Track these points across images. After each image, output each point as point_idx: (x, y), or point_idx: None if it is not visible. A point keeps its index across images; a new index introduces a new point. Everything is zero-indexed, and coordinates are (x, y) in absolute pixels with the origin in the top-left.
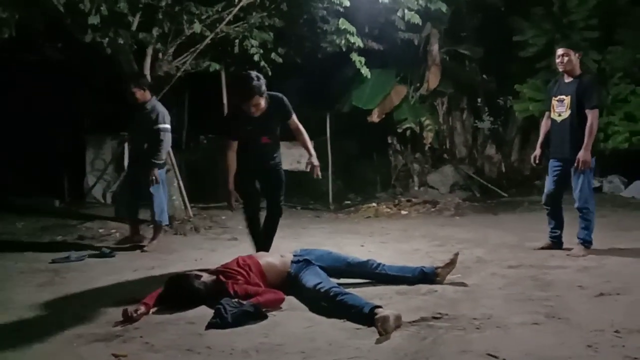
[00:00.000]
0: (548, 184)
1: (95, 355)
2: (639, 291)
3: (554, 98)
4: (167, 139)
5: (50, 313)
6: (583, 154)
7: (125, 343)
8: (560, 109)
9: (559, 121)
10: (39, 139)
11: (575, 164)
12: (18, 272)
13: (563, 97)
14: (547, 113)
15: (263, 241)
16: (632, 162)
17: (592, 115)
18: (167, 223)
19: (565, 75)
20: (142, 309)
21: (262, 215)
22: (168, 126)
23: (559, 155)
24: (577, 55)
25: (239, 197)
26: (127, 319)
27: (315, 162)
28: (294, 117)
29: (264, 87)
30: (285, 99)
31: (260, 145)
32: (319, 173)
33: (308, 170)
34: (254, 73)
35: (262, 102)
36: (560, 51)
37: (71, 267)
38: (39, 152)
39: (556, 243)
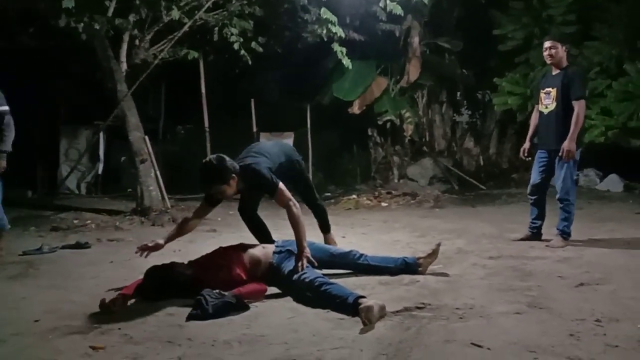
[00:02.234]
0: (534, 175)
1: (72, 348)
2: (618, 281)
3: (541, 91)
4: (11, 122)
5: (23, 306)
6: (568, 144)
7: (103, 335)
8: (547, 101)
9: (545, 113)
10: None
11: (560, 153)
12: None
13: (549, 89)
14: (536, 106)
15: (320, 226)
16: (607, 156)
17: (578, 106)
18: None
19: (553, 68)
20: (120, 299)
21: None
22: (7, 108)
23: (545, 147)
24: (564, 47)
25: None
26: (105, 310)
27: (303, 256)
28: (279, 191)
29: (225, 173)
30: (257, 172)
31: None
32: (303, 266)
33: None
34: (214, 157)
35: (228, 188)
36: (547, 44)
37: (44, 258)
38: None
39: (535, 234)
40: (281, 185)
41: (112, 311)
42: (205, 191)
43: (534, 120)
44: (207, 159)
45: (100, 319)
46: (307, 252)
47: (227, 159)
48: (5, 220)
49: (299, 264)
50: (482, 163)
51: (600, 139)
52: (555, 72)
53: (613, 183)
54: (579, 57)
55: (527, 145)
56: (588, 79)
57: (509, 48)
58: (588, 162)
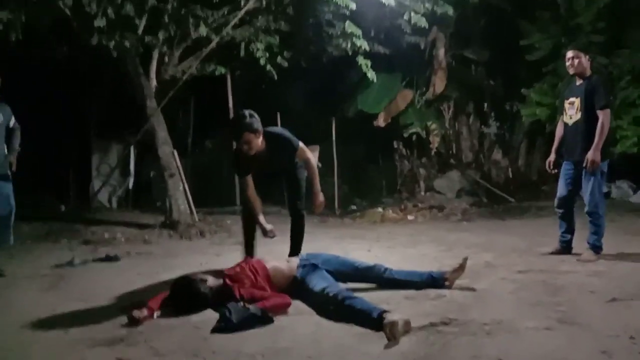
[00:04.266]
0: (560, 187)
1: (100, 359)
2: None
3: (565, 101)
4: (19, 130)
5: (53, 317)
6: (592, 154)
7: (129, 347)
8: (571, 111)
9: (570, 124)
10: (45, 143)
11: (584, 164)
12: (22, 276)
13: (573, 99)
14: (560, 117)
15: (292, 247)
16: None
17: (602, 115)
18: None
19: (577, 78)
20: (146, 312)
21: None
22: (14, 120)
23: (571, 158)
24: (587, 57)
25: (272, 230)
26: (132, 322)
27: (319, 198)
28: (301, 149)
29: (256, 125)
30: (285, 133)
31: (269, 174)
32: (321, 208)
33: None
34: (247, 111)
35: (255, 140)
36: (570, 54)
37: (75, 271)
38: (45, 156)
39: (566, 248)
40: (302, 144)
41: (138, 323)
42: (237, 138)
43: (559, 132)
44: (240, 111)
45: (127, 331)
46: (322, 196)
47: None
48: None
49: (317, 203)
50: (510, 175)
51: (633, 149)
52: (579, 82)
53: None
54: (609, 66)
55: (552, 157)
56: (613, 87)
57: (537, 58)
58: (621, 174)
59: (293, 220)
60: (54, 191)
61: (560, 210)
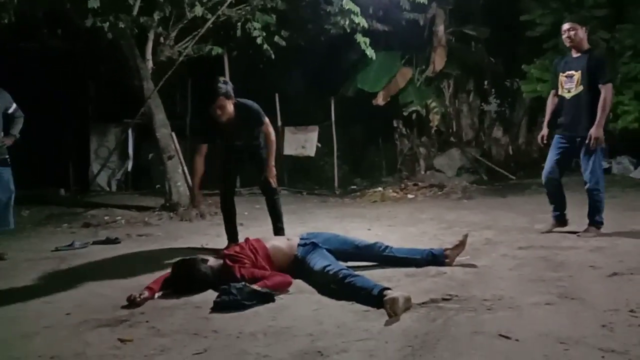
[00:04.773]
0: (550, 162)
1: (101, 340)
2: None
3: (561, 74)
4: (22, 115)
5: (55, 300)
6: (595, 131)
7: (131, 328)
8: (570, 85)
9: (568, 98)
10: (43, 129)
11: (587, 141)
12: (23, 259)
13: (572, 72)
14: (553, 91)
15: (274, 225)
16: None
17: (606, 90)
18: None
19: (573, 51)
20: (147, 293)
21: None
22: (16, 106)
23: (567, 133)
24: (584, 29)
25: (203, 199)
26: (132, 304)
27: (271, 172)
28: (266, 124)
29: (230, 91)
30: (254, 106)
31: (235, 145)
32: (274, 183)
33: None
34: (222, 78)
35: (228, 106)
36: (566, 26)
37: (76, 254)
38: (43, 141)
39: (560, 221)
40: (268, 120)
41: (138, 304)
42: (211, 102)
43: (550, 105)
44: (216, 78)
45: (128, 313)
46: (274, 171)
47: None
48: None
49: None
50: (511, 152)
51: (635, 125)
52: (576, 54)
53: None
54: (611, 40)
55: (545, 131)
56: (614, 61)
57: (538, 34)
58: (622, 149)
59: (268, 197)
60: (53, 175)
61: (549, 187)
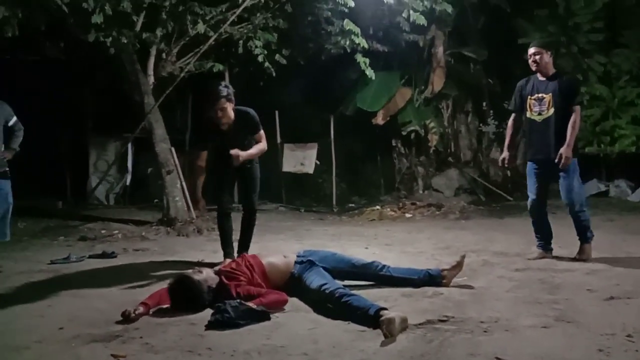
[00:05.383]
0: (531, 191)
1: (94, 356)
2: None
3: (530, 97)
4: (22, 128)
5: (48, 313)
6: (566, 150)
7: (124, 344)
8: (540, 108)
9: (539, 121)
10: (42, 140)
11: (557, 159)
12: (18, 272)
13: (542, 95)
14: (514, 115)
15: (240, 242)
16: (639, 166)
17: (577, 112)
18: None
19: (539, 74)
20: (142, 309)
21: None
22: (16, 118)
23: (539, 156)
24: (549, 53)
25: (204, 204)
26: (126, 319)
27: (239, 153)
28: (261, 132)
29: (232, 95)
30: (252, 112)
31: (230, 155)
32: (237, 161)
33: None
34: (223, 82)
35: (229, 109)
36: (532, 50)
37: (71, 267)
38: (42, 153)
39: (546, 251)
40: (263, 131)
41: (132, 320)
42: (213, 104)
43: (511, 128)
44: (218, 81)
45: (122, 328)
46: (242, 157)
47: None
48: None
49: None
50: (509, 174)
51: (632, 148)
52: (542, 78)
53: None
54: (607, 64)
55: (506, 154)
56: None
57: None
58: (619, 173)
59: (246, 214)
60: (51, 188)
61: (534, 216)
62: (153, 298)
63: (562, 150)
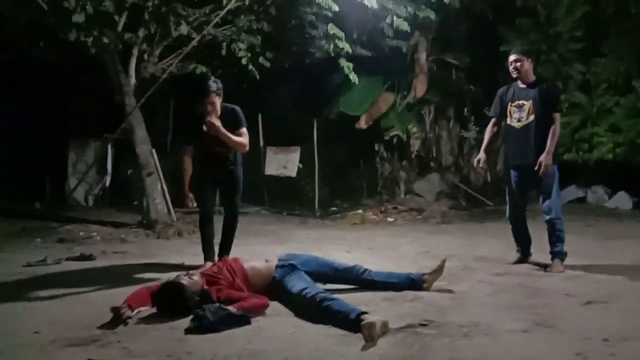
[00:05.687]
0: (512, 196)
1: None
2: (628, 299)
3: (510, 104)
4: None
5: (24, 316)
6: (546, 157)
7: (102, 348)
8: (520, 114)
9: (518, 127)
10: (21, 141)
11: (537, 167)
12: None
13: (523, 102)
14: (493, 120)
15: (221, 245)
16: (616, 173)
17: (557, 119)
18: None
19: (519, 82)
20: (128, 310)
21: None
22: None
23: (519, 162)
24: (529, 60)
25: (193, 198)
26: (116, 316)
27: (216, 122)
28: (244, 129)
29: (221, 90)
30: (238, 109)
31: (213, 153)
32: (214, 129)
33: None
34: (212, 77)
35: (218, 104)
36: (512, 57)
37: (48, 270)
38: (20, 153)
39: (524, 257)
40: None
41: (122, 321)
42: (204, 98)
43: (489, 133)
44: (207, 75)
45: (100, 332)
46: (214, 125)
47: None
48: None
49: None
50: (489, 179)
51: (609, 155)
52: (522, 85)
53: (622, 200)
54: (587, 73)
55: (482, 156)
56: None
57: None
58: (597, 179)
59: (228, 217)
60: (30, 188)
61: (514, 224)
62: (135, 299)
63: (542, 157)
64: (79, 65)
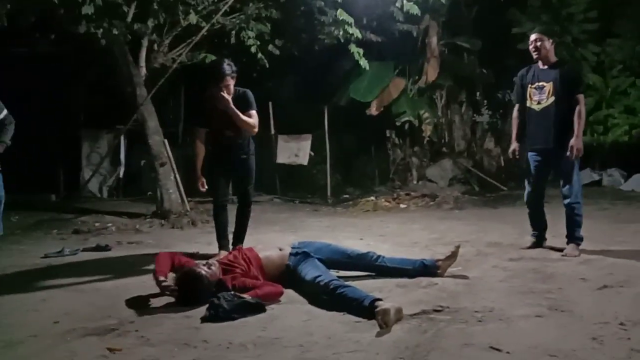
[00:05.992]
0: (529, 182)
1: (90, 349)
2: None
3: (530, 86)
4: (12, 121)
5: (43, 308)
6: (576, 141)
7: (120, 337)
8: (540, 96)
9: (538, 110)
10: (35, 134)
11: (569, 152)
12: (11, 266)
13: (543, 83)
14: (517, 105)
15: (235, 233)
16: (631, 155)
17: (582, 101)
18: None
19: (540, 63)
20: (165, 280)
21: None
22: (6, 111)
23: (539, 146)
24: (551, 41)
25: (205, 182)
26: (161, 288)
27: (227, 98)
28: (254, 111)
29: (235, 72)
30: (249, 92)
31: (225, 138)
32: (223, 102)
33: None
34: (226, 60)
35: (231, 86)
36: (533, 36)
37: (65, 261)
38: (34, 146)
39: (538, 242)
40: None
41: (165, 289)
42: (219, 81)
43: (517, 119)
44: (222, 59)
45: (117, 321)
46: (225, 98)
47: None
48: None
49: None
50: (502, 164)
51: (624, 137)
52: (543, 66)
53: (638, 183)
54: (601, 54)
55: (515, 145)
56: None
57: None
58: (612, 162)
59: (241, 206)
60: (44, 181)
61: (532, 207)
62: (161, 269)
63: (572, 141)
64: (89, 56)
